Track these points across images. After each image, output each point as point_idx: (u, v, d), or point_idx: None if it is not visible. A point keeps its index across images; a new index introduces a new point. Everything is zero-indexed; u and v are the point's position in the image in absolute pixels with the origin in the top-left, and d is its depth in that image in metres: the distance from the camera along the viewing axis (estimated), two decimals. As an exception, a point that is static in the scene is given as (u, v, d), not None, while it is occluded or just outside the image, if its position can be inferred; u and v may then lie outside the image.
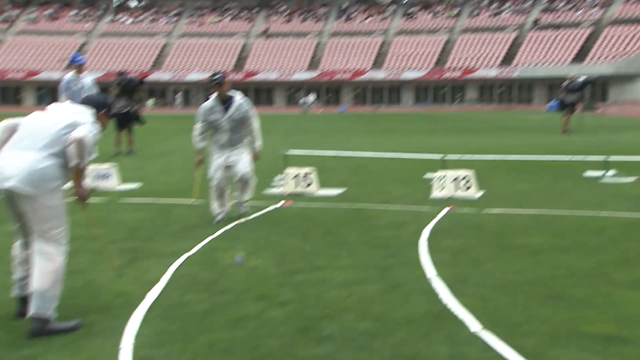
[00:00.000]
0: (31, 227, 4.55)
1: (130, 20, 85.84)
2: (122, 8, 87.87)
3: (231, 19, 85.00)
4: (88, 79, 11.32)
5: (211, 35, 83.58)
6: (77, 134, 4.47)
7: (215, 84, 8.37)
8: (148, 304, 5.12)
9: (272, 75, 75.81)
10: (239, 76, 75.43)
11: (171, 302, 5.19)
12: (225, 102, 8.41)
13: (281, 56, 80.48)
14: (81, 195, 4.73)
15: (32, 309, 4.42)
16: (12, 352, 4.17)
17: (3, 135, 4.69)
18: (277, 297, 5.31)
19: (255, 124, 8.58)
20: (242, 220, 8.48)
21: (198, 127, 8.53)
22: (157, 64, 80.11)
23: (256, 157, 8.78)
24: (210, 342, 4.32)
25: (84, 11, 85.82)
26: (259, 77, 76.52)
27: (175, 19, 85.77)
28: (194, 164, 8.78)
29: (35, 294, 4.44)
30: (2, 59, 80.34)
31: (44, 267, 4.47)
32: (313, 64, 79.50)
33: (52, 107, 4.88)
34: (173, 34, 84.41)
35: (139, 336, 4.44)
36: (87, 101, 4.92)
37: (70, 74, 11.12)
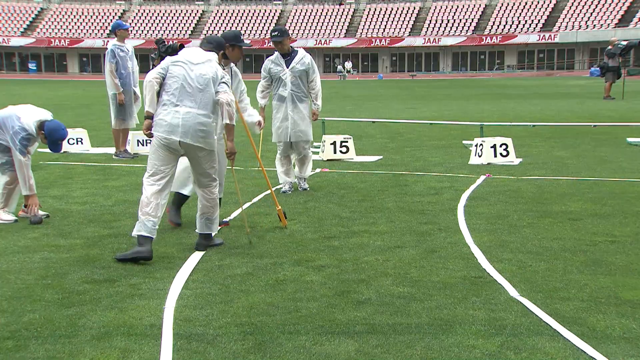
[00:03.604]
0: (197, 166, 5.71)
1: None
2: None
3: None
4: (130, 46, 11.35)
5: (249, 2, 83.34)
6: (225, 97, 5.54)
7: (274, 42, 8.08)
8: (189, 268, 5.23)
9: (310, 42, 75.63)
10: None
11: (211, 266, 5.30)
12: (287, 55, 8.20)
13: (318, 23, 80.00)
14: (231, 150, 5.81)
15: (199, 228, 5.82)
16: (60, 311, 4.31)
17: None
18: (315, 262, 5.38)
19: (317, 81, 8.31)
20: (280, 186, 8.54)
21: (260, 82, 8.32)
22: (195, 32, 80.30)
23: (315, 117, 8.48)
24: (249, 305, 4.41)
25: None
26: (297, 44, 76.24)
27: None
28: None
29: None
30: (47, 27, 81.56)
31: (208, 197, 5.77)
32: (350, 30, 78.86)
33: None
34: (211, 0, 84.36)
35: (181, 298, 4.55)
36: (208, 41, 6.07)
37: (114, 41, 11.15)
